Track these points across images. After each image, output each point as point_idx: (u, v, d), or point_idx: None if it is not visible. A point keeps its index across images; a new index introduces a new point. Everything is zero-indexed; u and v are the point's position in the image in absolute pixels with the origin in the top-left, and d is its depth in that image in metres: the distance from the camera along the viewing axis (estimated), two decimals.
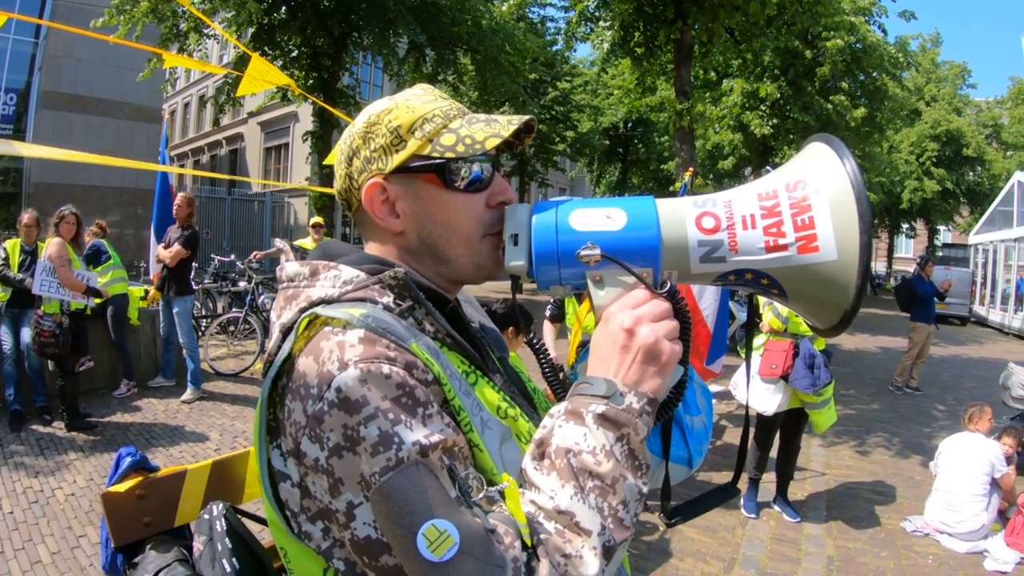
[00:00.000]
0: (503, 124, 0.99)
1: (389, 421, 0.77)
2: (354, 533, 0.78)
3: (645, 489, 0.85)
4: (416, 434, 0.77)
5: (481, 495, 0.80)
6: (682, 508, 1.16)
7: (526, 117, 1.01)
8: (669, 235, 0.91)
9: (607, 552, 0.79)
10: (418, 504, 0.75)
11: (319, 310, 0.86)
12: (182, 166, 34.18)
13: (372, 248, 1.05)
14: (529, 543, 0.78)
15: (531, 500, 0.82)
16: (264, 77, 5.93)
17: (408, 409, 0.78)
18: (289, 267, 0.97)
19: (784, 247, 0.89)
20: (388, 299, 0.91)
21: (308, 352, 0.82)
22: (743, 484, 5.41)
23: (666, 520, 1.16)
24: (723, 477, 5.91)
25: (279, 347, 0.88)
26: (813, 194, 0.89)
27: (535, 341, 1.05)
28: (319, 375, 0.79)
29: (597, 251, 0.89)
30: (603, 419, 0.83)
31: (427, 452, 0.77)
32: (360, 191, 1.00)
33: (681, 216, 0.92)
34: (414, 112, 0.98)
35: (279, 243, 9.61)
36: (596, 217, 0.92)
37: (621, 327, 0.88)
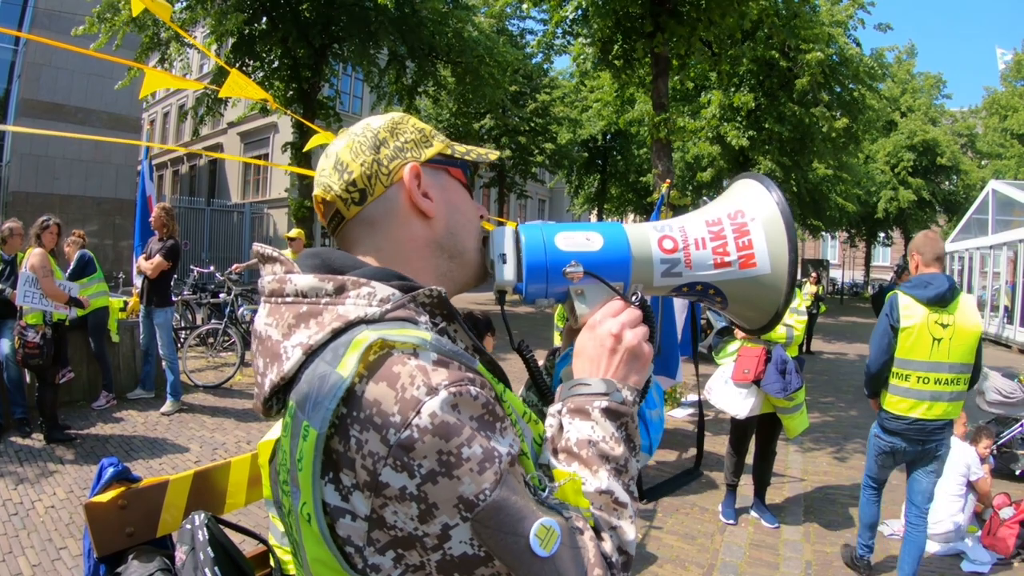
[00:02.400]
0: (485, 150, 1.12)
1: (486, 438, 0.78)
2: (447, 553, 0.77)
3: (640, 465, 0.98)
4: (504, 446, 0.79)
5: (547, 491, 0.86)
6: (653, 490, 1.41)
7: (496, 153, 1.12)
8: (637, 255, 1.07)
9: (634, 519, 0.91)
10: (525, 508, 0.78)
11: (383, 334, 0.81)
12: (160, 176, 33.95)
13: (388, 242, 1.03)
14: (592, 524, 0.87)
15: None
16: (243, 91, 5.95)
17: (493, 426, 0.80)
18: (301, 280, 0.89)
19: (729, 264, 1.09)
20: (425, 318, 0.90)
21: (378, 379, 0.78)
22: (721, 489, 5.48)
23: (642, 500, 1.30)
24: (707, 479, 5.97)
25: (298, 369, 0.84)
26: (751, 221, 1.10)
27: (524, 347, 1.11)
28: (400, 402, 0.76)
29: (580, 268, 1.02)
30: (608, 412, 0.94)
31: (514, 461, 0.81)
32: (390, 176, 1.01)
33: (646, 239, 1.09)
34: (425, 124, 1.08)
35: (260, 248, 9.60)
36: (577, 239, 1.06)
37: (610, 332, 1.00)
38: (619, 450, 0.92)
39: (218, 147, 32.28)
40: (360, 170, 1.01)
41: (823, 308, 15.50)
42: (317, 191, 1.04)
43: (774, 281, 1.09)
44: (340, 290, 0.87)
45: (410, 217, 1.03)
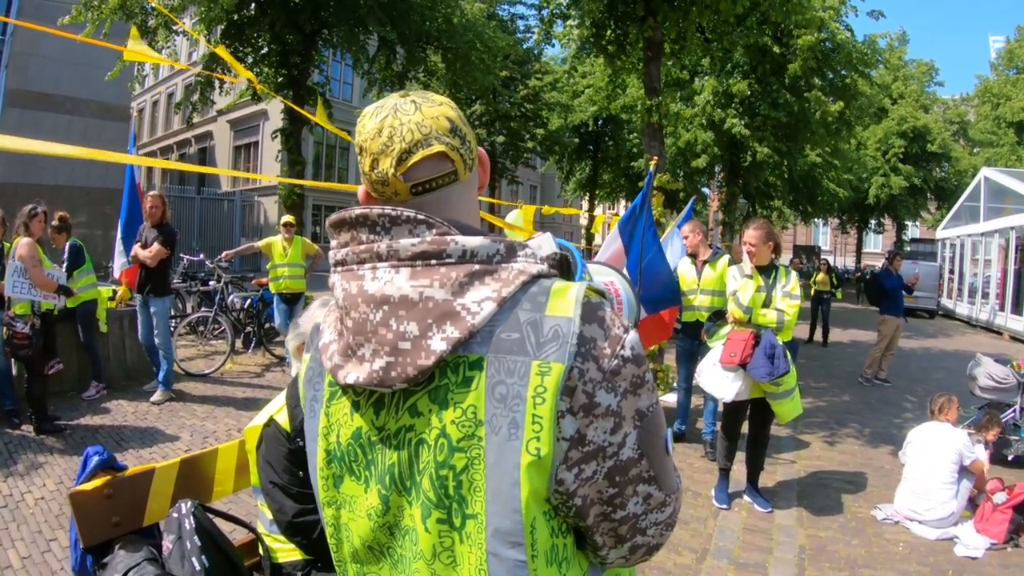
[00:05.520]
0: None
1: (648, 367, 0.98)
2: (618, 459, 0.95)
3: None
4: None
5: None
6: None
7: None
8: None
9: None
10: (663, 417, 1.01)
11: (585, 286, 0.98)
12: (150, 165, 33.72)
13: (472, 208, 1.13)
14: None
15: None
16: (232, 64, 6.00)
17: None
18: (472, 241, 0.95)
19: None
20: None
21: (590, 320, 0.93)
22: (714, 474, 5.49)
23: None
24: (702, 463, 5.97)
25: (490, 318, 0.92)
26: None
27: None
28: (610, 338, 0.93)
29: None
30: None
31: None
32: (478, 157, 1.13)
33: None
34: None
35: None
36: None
37: None
38: None
39: (207, 135, 32.10)
40: (472, 142, 1.10)
41: (839, 295, 15.43)
42: (439, 147, 1.02)
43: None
44: (511, 250, 0.99)
45: (474, 194, 1.14)
